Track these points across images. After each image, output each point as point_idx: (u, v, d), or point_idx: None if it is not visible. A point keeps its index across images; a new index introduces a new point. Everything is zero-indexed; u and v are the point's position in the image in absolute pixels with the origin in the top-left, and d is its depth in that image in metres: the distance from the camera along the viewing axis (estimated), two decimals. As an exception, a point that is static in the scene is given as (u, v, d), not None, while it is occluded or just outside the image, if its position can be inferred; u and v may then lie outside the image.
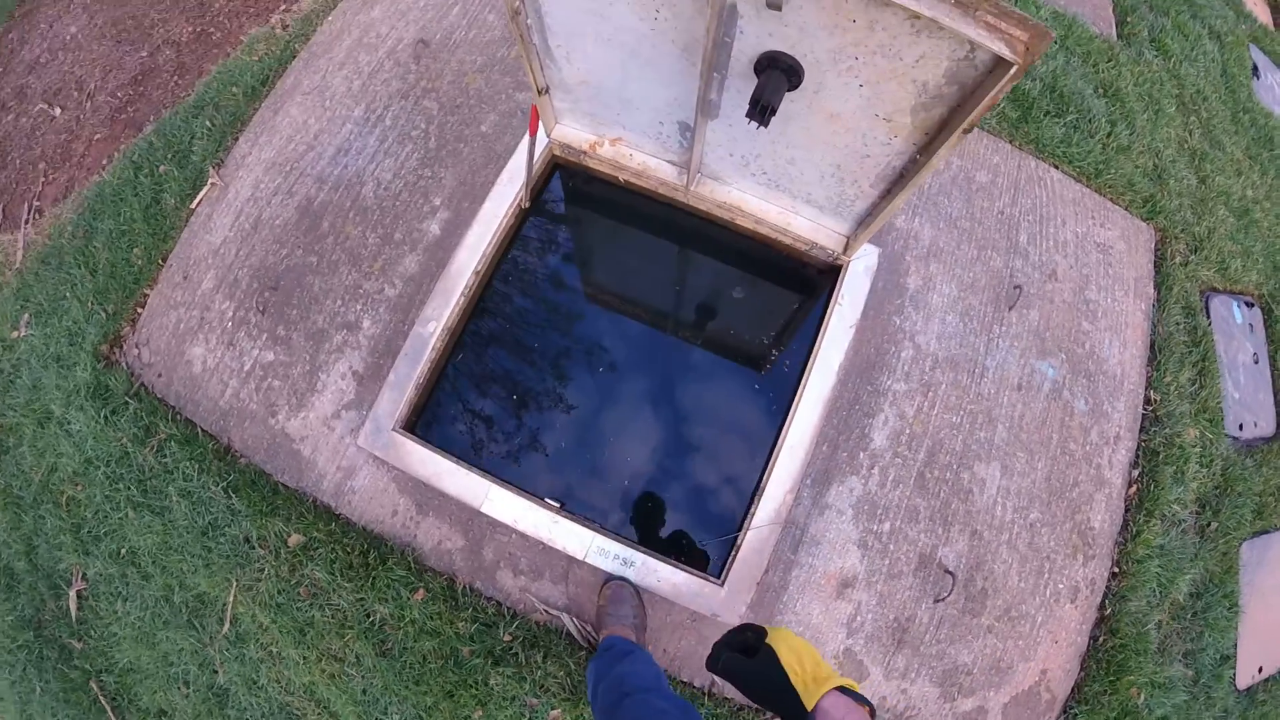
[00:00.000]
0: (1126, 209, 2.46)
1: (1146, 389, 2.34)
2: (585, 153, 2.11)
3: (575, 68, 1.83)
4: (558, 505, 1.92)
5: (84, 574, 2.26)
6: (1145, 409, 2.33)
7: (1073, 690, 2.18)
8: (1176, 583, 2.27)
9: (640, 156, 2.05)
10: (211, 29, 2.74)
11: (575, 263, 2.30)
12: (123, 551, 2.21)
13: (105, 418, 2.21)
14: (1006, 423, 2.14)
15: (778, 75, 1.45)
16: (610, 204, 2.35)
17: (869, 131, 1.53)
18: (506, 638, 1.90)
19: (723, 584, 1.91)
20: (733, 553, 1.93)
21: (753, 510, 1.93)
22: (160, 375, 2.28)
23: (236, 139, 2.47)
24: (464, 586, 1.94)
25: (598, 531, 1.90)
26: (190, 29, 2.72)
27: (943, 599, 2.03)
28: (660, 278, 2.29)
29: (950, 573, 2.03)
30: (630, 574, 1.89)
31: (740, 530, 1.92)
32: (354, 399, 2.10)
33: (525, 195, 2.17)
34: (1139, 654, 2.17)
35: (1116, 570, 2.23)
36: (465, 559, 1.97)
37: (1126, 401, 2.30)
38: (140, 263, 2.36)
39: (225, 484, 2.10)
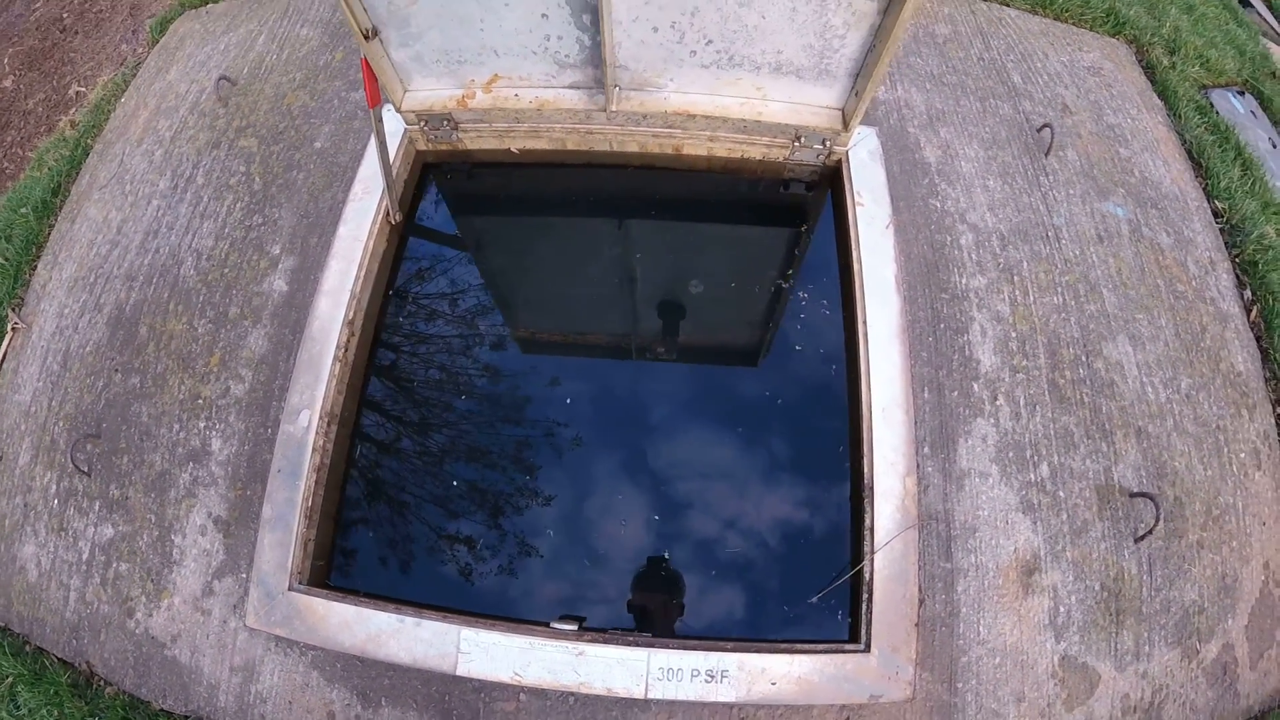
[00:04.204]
0: (1092, 28, 1.71)
1: (1208, 200, 1.55)
2: (453, 122, 1.20)
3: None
4: (575, 627, 0.93)
5: None
6: (1218, 222, 1.52)
7: None
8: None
9: (531, 92, 1.15)
10: (4, 164, 1.81)
11: (492, 285, 1.32)
12: None
13: None
14: (1109, 284, 1.29)
15: None
16: (511, 196, 1.40)
17: None
18: None
19: (868, 647, 0.94)
20: (865, 594, 0.96)
21: (869, 523, 0.99)
22: None
23: (34, 268, 1.46)
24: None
25: (653, 646, 0.92)
26: None
27: (1146, 534, 1.11)
28: (607, 274, 1.33)
29: (1145, 495, 1.12)
30: (727, 690, 0.90)
31: (863, 559, 0.97)
32: (225, 560, 1.07)
33: (393, 204, 1.23)
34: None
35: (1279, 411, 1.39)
36: (460, 762, 0.95)
37: (1200, 220, 1.49)
38: (-66, 461, 1.30)
39: None
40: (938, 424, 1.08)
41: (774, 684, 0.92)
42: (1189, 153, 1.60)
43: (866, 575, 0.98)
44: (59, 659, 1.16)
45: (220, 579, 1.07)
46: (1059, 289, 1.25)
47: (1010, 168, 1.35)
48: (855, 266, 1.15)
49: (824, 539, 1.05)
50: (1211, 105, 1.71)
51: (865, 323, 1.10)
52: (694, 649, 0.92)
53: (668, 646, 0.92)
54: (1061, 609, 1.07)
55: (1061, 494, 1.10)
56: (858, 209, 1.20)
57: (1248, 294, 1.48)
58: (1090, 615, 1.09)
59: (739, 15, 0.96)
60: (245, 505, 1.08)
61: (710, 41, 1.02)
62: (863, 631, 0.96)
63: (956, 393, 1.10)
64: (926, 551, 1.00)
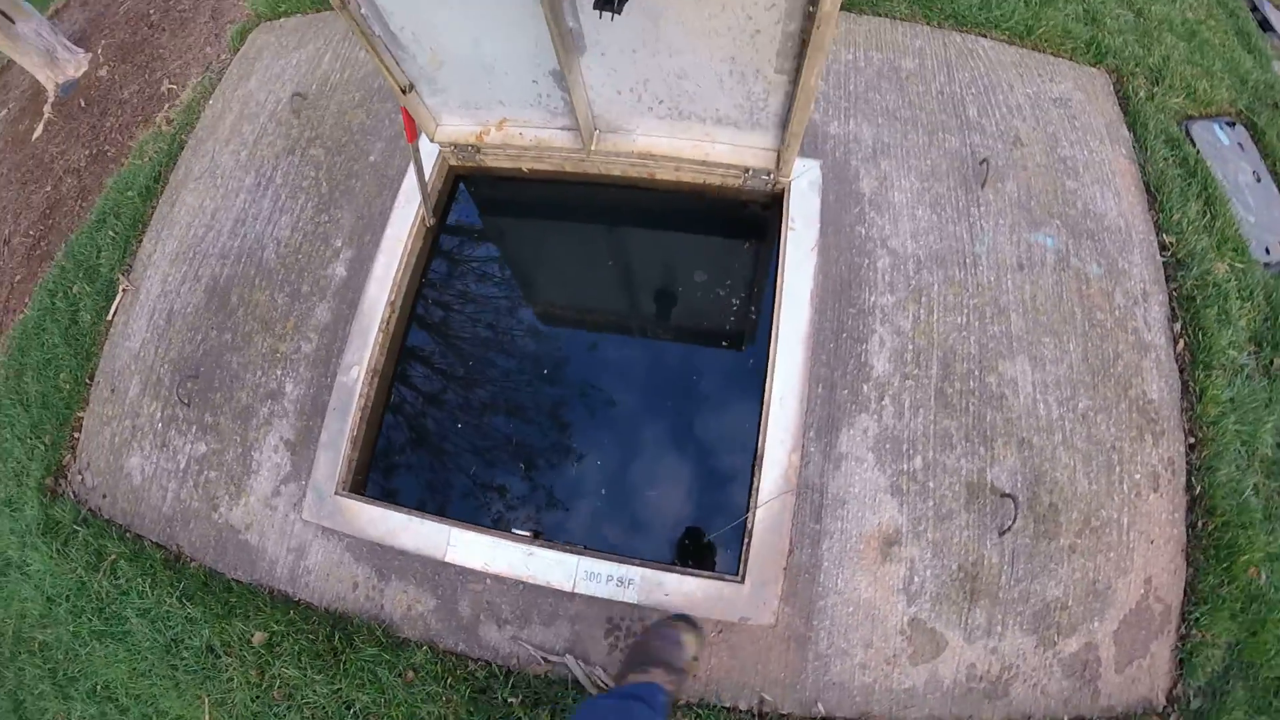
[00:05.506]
0: (1071, 58, 1.96)
1: (1158, 234, 1.80)
2: (476, 148, 1.68)
3: (426, 48, 1.41)
4: (530, 535, 1.42)
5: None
6: (1163, 255, 1.78)
7: (1185, 592, 1.59)
8: (1259, 435, 1.68)
9: (531, 132, 1.61)
10: (106, 147, 2.41)
11: (503, 273, 1.84)
12: (98, 688, 1.77)
13: (58, 551, 1.81)
14: (1019, 309, 1.61)
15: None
16: (525, 203, 1.91)
17: (750, -8, 1.08)
18: (510, 700, 1.38)
19: (743, 579, 1.38)
20: (745, 539, 1.40)
21: (756, 485, 1.41)
22: (105, 496, 1.86)
23: (140, 241, 2.10)
24: (446, 652, 1.43)
25: (582, 554, 1.39)
26: (87, 152, 2.41)
27: (1008, 529, 1.47)
28: (598, 267, 1.82)
29: (1009, 495, 1.47)
30: (632, 594, 1.37)
31: (748, 512, 1.40)
32: (290, 471, 1.64)
33: (428, 212, 1.74)
34: (1245, 527, 1.58)
35: (1192, 440, 1.66)
36: (441, 620, 1.47)
37: (1141, 253, 1.75)
38: (68, 387, 1.96)
39: (178, 593, 1.66)
40: (826, 415, 1.47)
41: (667, 595, 1.37)
42: (1147, 186, 1.84)
43: (749, 525, 1.41)
44: (154, 542, 1.78)
45: (286, 485, 1.64)
46: (965, 310, 1.58)
47: (942, 199, 1.68)
48: (779, 281, 1.55)
49: (729, 495, 1.48)
50: (1187, 137, 1.92)
51: (778, 327, 1.50)
52: (611, 560, 1.39)
53: (592, 555, 1.40)
54: (916, 579, 1.44)
55: (931, 484, 1.47)
56: (789, 232, 1.59)
57: (1178, 327, 1.74)
58: (944, 589, 1.45)
59: (680, 84, 1.37)
60: (308, 432, 1.64)
61: (662, 101, 1.44)
62: (740, 567, 1.39)
63: (847, 391, 1.49)
64: (800, 514, 1.41)
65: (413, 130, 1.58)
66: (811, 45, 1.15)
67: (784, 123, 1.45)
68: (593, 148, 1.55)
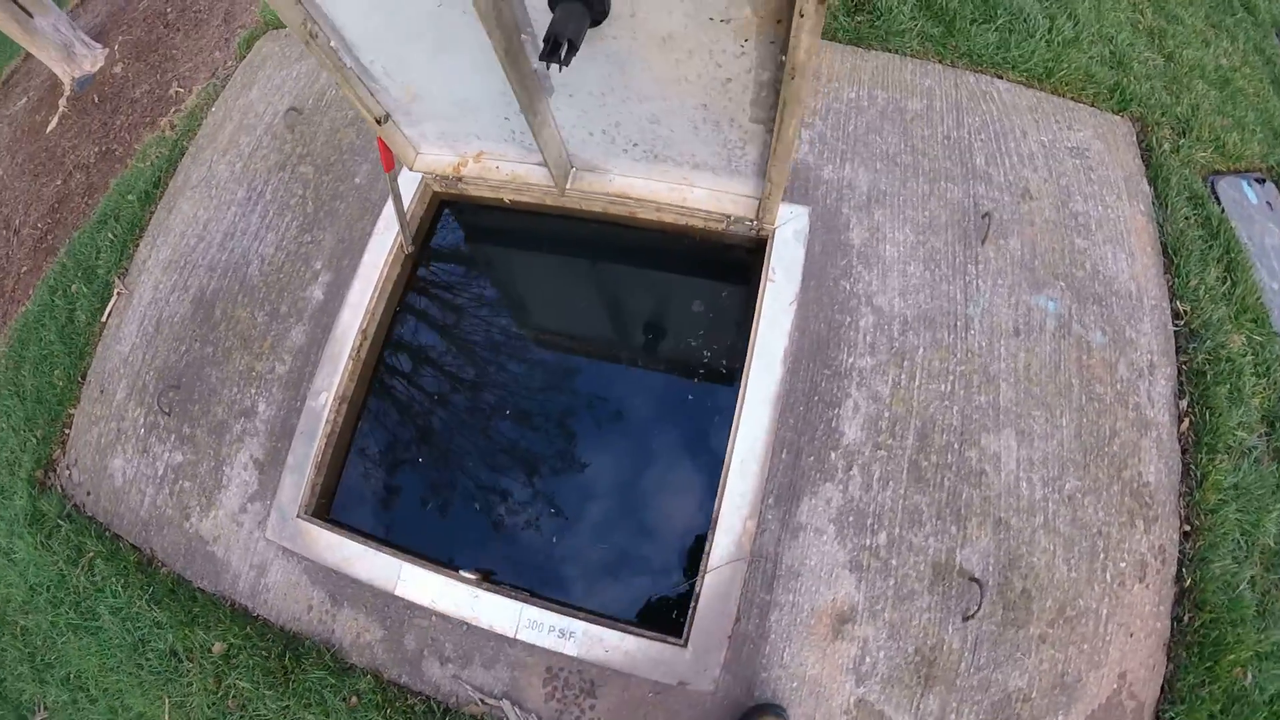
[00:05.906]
0: (1093, 104, 1.81)
1: (1171, 300, 1.67)
2: (457, 178, 1.65)
3: (399, 81, 1.38)
4: (475, 577, 1.41)
5: (44, 702, 1.89)
6: (1176, 324, 1.65)
7: (1162, 689, 1.49)
8: (1262, 525, 1.56)
9: (507, 166, 1.57)
10: (115, 146, 2.45)
11: (479, 303, 1.82)
12: (71, 676, 1.84)
13: (42, 543, 1.87)
14: (1010, 378, 1.51)
15: (574, 5, 0.97)
16: (507, 231, 1.87)
17: (714, 45, 1.02)
18: (446, 741, 1.38)
19: (686, 643, 1.34)
20: (692, 603, 1.36)
21: (708, 549, 1.37)
22: (89, 493, 1.92)
23: (137, 245, 2.13)
24: (389, 683, 1.44)
25: (526, 602, 1.37)
26: (96, 149, 2.45)
27: (972, 614, 1.39)
28: (575, 305, 1.78)
29: (976, 580, 1.40)
30: (572, 647, 1.35)
31: (697, 575, 1.36)
32: (257, 489, 1.65)
33: (406, 240, 1.72)
34: (1236, 624, 1.47)
35: (1187, 528, 1.55)
36: (387, 651, 1.47)
37: (1152, 321, 1.63)
38: (62, 384, 2.02)
39: (148, 596, 1.71)
40: (788, 481, 1.41)
41: (607, 651, 1.35)
42: (1165, 247, 1.70)
43: (697, 589, 1.36)
44: (130, 544, 1.82)
45: (252, 503, 1.66)
46: (950, 377, 1.49)
47: (938, 254, 1.58)
48: (752, 336, 1.48)
49: (681, 555, 1.44)
50: (1212, 194, 1.77)
51: (747, 386, 1.44)
52: (554, 610, 1.37)
53: (536, 604, 1.38)
54: (868, 659, 1.38)
55: (894, 562, 1.40)
56: (768, 285, 1.52)
57: (1184, 404, 1.62)
58: (896, 672, 1.38)
59: (653, 129, 1.31)
60: (276, 453, 1.65)
61: (636, 144, 1.38)
62: (685, 630, 1.35)
63: (813, 458, 1.42)
64: (751, 582, 1.36)
65: (389, 160, 1.56)
66: (786, 96, 1.08)
67: (763, 172, 1.37)
68: (567, 186, 1.50)
